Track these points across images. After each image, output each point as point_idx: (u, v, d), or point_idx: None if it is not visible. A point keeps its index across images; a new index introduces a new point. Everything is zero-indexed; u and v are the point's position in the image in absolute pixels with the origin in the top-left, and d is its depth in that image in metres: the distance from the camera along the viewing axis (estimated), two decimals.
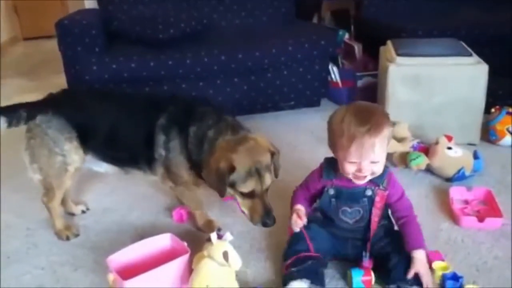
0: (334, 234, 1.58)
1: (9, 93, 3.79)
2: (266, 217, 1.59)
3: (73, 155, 1.75)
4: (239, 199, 1.61)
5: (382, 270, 1.50)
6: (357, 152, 1.39)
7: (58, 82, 3.49)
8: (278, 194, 1.83)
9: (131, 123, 1.74)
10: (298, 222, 1.53)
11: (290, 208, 1.62)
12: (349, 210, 1.54)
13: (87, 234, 1.87)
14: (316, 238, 1.56)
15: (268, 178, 1.59)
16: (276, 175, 1.67)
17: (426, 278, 1.43)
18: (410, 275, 1.43)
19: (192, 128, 1.66)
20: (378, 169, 1.45)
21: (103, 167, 1.87)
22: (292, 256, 1.52)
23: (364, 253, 1.53)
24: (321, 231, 1.59)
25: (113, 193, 2.17)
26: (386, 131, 1.41)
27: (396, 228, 1.59)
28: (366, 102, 1.53)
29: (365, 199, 1.52)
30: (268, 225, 1.60)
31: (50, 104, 1.76)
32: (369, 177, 1.47)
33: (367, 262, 1.53)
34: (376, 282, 1.50)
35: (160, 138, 1.69)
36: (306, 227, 1.59)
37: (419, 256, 1.45)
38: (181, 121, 1.68)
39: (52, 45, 4.44)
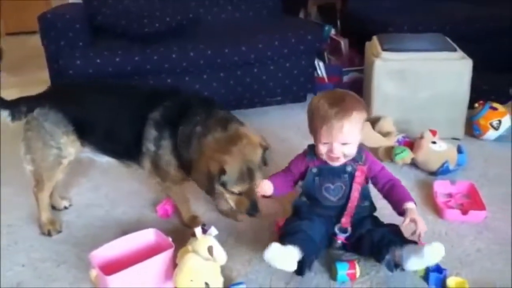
0: (321, 215, 1.59)
1: None
2: (251, 209, 1.58)
3: (69, 148, 1.75)
4: (227, 194, 1.60)
5: (366, 241, 1.52)
6: (327, 133, 1.50)
7: (41, 77, 3.44)
8: None
9: (126, 115, 1.72)
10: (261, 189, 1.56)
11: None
12: (332, 186, 1.58)
13: (70, 230, 1.84)
14: (306, 218, 1.58)
15: (259, 177, 1.58)
16: (265, 165, 1.65)
17: (421, 224, 1.49)
18: (406, 223, 1.49)
19: (181, 127, 1.63)
20: (350, 151, 1.53)
21: (104, 159, 1.87)
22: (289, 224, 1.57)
23: (338, 226, 1.56)
24: (310, 212, 1.60)
25: (97, 188, 2.14)
26: (357, 115, 1.50)
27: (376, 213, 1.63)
28: (343, 90, 1.64)
29: (346, 175, 1.58)
30: (253, 215, 1.60)
31: (48, 98, 1.76)
32: (342, 159, 1.54)
33: (344, 239, 1.57)
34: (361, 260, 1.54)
35: (151, 133, 1.67)
36: (297, 210, 1.63)
37: (410, 206, 1.53)
38: (175, 118, 1.65)
39: (35, 41, 4.39)
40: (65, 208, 1.98)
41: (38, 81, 3.47)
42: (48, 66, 2.68)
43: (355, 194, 1.57)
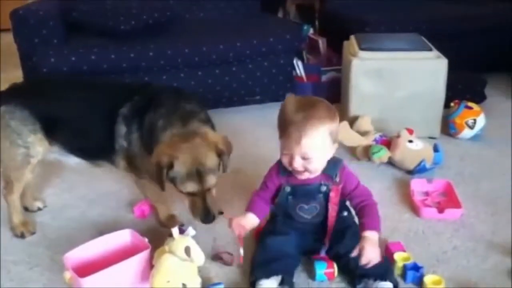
0: (296, 228, 1.57)
1: None
2: (204, 217, 1.56)
3: (37, 147, 1.69)
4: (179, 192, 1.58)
5: (344, 263, 1.49)
6: (287, 142, 1.40)
7: (15, 75, 3.35)
8: (241, 186, 1.82)
9: (96, 112, 1.68)
10: (236, 231, 1.49)
11: (245, 210, 1.58)
12: (306, 206, 1.53)
13: (44, 231, 1.80)
14: (282, 232, 1.55)
15: (210, 180, 1.53)
16: (224, 171, 1.61)
17: (368, 255, 1.36)
18: (354, 254, 1.39)
19: (147, 118, 1.61)
20: (313, 167, 1.44)
21: (73, 160, 1.82)
22: (262, 253, 1.50)
23: (323, 247, 1.54)
24: (285, 226, 1.58)
25: (72, 188, 2.10)
26: (322, 127, 1.38)
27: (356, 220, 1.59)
28: (318, 98, 1.50)
29: (320, 195, 1.52)
30: (206, 223, 1.58)
31: (14, 95, 1.70)
32: (307, 174, 1.46)
33: (324, 255, 1.55)
34: (339, 273, 1.50)
35: (121, 129, 1.64)
36: (272, 221, 1.59)
37: (368, 235, 1.41)
38: (143, 111, 1.62)
39: (8, 38, 4.27)
40: (39, 209, 1.93)
41: (12, 79, 3.39)
42: (22, 64, 2.62)
43: (332, 214, 1.52)
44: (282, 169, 1.53)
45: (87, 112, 1.68)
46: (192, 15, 3.20)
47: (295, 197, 1.53)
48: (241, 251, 1.50)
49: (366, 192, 1.55)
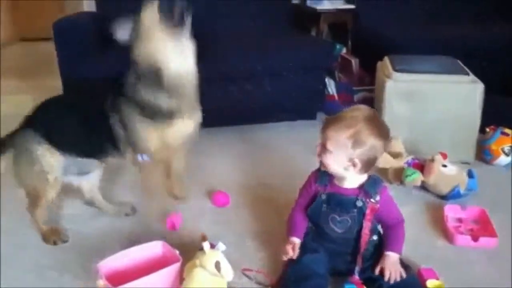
0: (327, 248, 1.56)
1: (5, 93, 3.78)
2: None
3: (47, 158, 1.74)
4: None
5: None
6: (320, 132, 1.49)
7: (53, 83, 3.45)
8: (271, 202, 1.82)
9: (89, 116, 1.76)
10: (290, 255, 1.52)
11: (287, 231, 1.60)
12: (338, 218, 1.52)
13: (75, 239, 1.83)
14: (313, 250, 1.54)
15: None
16: None
17: (388, 273, 1.44)
18: (376, 271, 1.46)
19: (123, 96, 1.70)
20: (327, 161, 1.47)
21: (80, 179, 1.94)
22: (293, 271, 1.49)
23: (356, 268, 1.51)
24: (316, 243, 1.57)
25: (104, 198, 2.12)
26: (343, 137, 1.42)
27: None
28: (376, 116, 1.52)
29: (355, 209, 1.51)
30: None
31: (25, 121, 1.81)
32: (326, 169, 1.50)
33: (357, 277, 1.50)
34: None
35: (114, 117, 1.71)
36: (303, 238, 1.59)
37: (389, 254, 1.49)
38: (118, 91, 1.71)
39: (48, 47, 4.42)
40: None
41: (51, 87, 3.50)
42: (60, 73, 2.69)
43: (365, 231, 1.51)
44: (320, 177, 1.55)
45: (82, 117, 1.76)
46: (227, 31, 3.24)
47: (329, 206, 1.53)
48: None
49: (398, 216, 1.56)
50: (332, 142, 1.44)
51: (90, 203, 2.04)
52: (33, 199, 1.79)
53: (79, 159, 1.82)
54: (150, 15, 1.64)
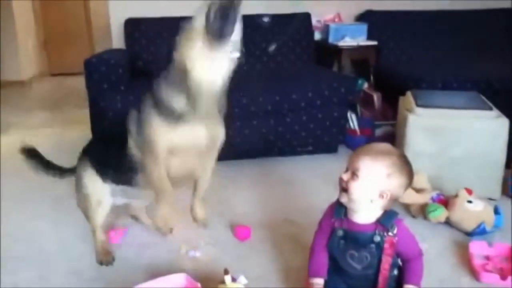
0: (348, 284, 1.54)
1: (35, 124, 3.98)
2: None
3: (91, 182, 1.86)
4: None
5: None
6: (351, 160, 1.45)
7: (80, 117, 3.58)
8: (291, 237, 1.80)
9: (115, 145, 1.82)
10: None
11: (309, 270, 1.57)
12: (356, 254, 1.49)
13: (100, 269, 1.85)
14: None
15: None
16: None
17: None
18: None
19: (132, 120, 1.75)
20: (355, 190, 1.42)
21: (130, 201, 2.01)
22: None
23: None
24: (336, 282, 1.54)
25: (128, 228, 2.16)
26: (386, 163, 1.41)
27: None
28: (405, 155, 1.51)
29: (373, 245, 1.47)
30: None
31: (83, 149, 1.96)
32: (345, 198, 1.45)
33: None
34: None
35: (130, 142, 1.74)
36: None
37: (410, 287, 1.47)
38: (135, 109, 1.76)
39: (76, 82, 4.60)
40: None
41: (78, 120, 3.62)
42: (90, 107, 2.79)
43: (385, 266, 1.47)
44: (336, 211, 1.51)
45: (112, 147, 1.84)
46: (250, 67, 3.32)
47: (346, 242, 1.50)
48: None
49: (417, 249, 1.53)
50: (366, 170, 1.41)
51: (134, 218, 2.18)
52: (89, 221, 1.92)
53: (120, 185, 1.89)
54: (201, 19, 1.60)
